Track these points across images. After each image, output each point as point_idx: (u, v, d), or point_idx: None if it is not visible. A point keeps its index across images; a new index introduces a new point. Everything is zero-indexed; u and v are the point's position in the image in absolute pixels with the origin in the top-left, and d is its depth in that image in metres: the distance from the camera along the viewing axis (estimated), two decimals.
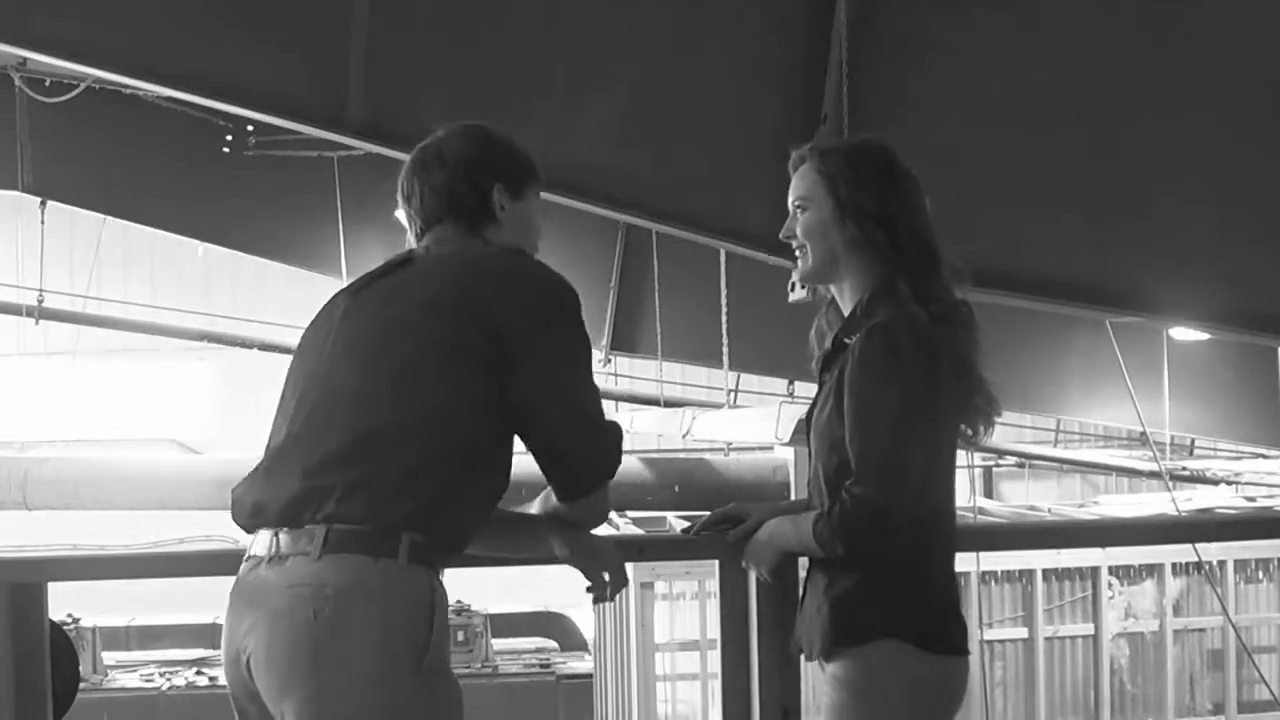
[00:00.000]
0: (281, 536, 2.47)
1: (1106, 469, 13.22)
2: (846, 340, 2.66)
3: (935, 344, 2.60)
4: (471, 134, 2.73)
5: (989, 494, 16.13)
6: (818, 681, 2.73)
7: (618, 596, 2.80)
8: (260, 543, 2.51)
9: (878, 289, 2.67)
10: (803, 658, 2.82)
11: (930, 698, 2.64)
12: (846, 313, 2.72)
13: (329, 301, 2.70)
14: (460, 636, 10.89)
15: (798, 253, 2.75)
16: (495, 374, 2.50)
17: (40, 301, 10.52)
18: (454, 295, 2.53)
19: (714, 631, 3.25)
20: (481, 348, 2.49)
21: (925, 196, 2.75)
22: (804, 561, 2.83)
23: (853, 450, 2.57)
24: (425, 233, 2.71)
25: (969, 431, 2.70)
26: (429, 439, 2.47)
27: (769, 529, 2.79)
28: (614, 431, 2.62)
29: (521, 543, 2.75)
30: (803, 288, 2.87)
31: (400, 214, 2.76)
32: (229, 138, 10.02)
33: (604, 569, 2.73)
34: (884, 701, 2.61)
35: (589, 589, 2.74)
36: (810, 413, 2.78)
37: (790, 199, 2.76)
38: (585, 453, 2.58)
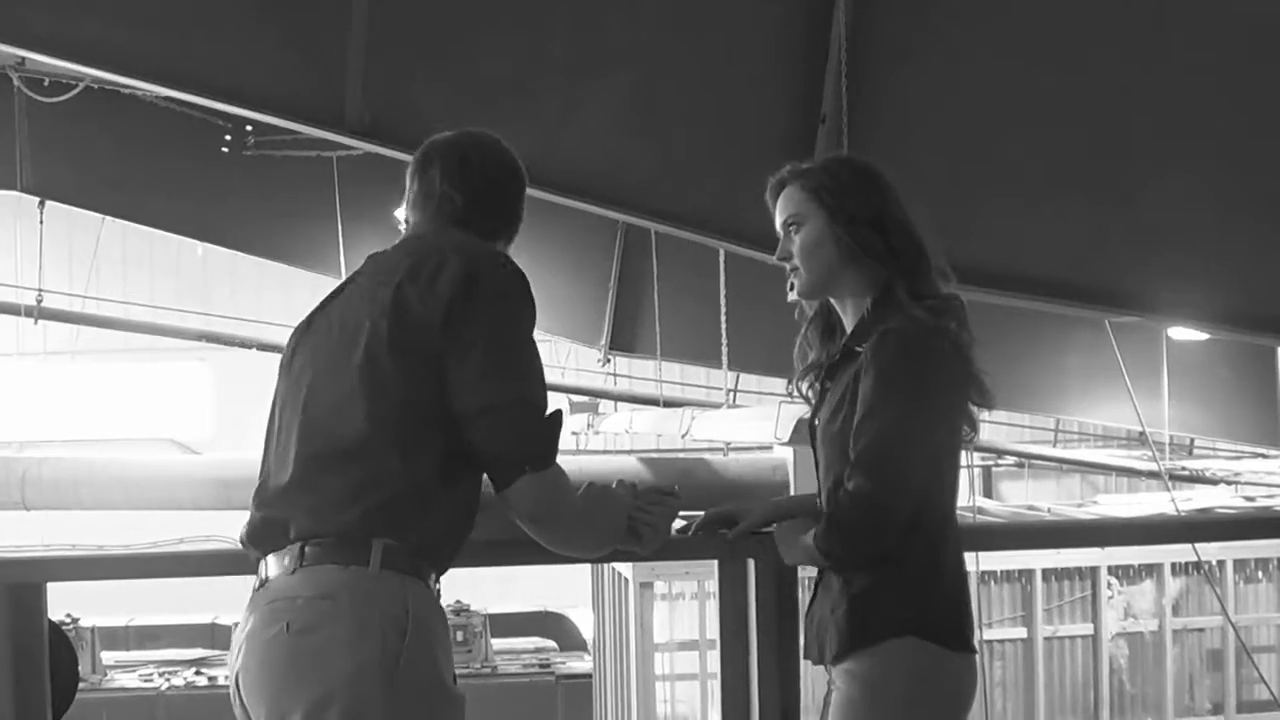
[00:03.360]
0: (269, 559, 2.49)
1: (1106, 469, 13.22)
2: (857, 349, 2.67)
3: (945, 344, 2.63)
4: (459, 134, 2.73)
5: (988, 494, 16.13)
6: (823, 678, 2.73)
7: (618, 596, 2.79)
8: (259, 571, 2.53)
9: (879, 294, 2.69)
10: (806, 659, 2.82)
11: (948, 693, 2.65)
12: (848, 322, 2.74)
13: (294, 330, 2.68)
14: (460, 636, 10.90)
15: (791, 274, 2.76)
16: (436, 367, 2.45)
17: (39, 301, 10.52)
18: (384, 300, 2.48)
19: (713, 631, 3.25)
20: (414, 346, 2.45)
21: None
22: None
23: (854, 447, 2.58)
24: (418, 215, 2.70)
25: (965, 428, 2.71)
26: (384, 445, 2.43)
27: (789, 555, 2.78)
28: (536, 415, 2.49)
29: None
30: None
31: (399, 213, 2.76)
32: (228, 138, 10.03)
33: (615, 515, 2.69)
34: (900, 696, 2.61)
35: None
36: (813, 420, 2.78)
37: (779, 221, 2.77)
38: (501, 437, 2.46)
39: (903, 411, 2.56)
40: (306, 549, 2.44)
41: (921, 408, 2.58)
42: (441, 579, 2.57)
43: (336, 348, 2.52)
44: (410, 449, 2.44)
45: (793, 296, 2.81)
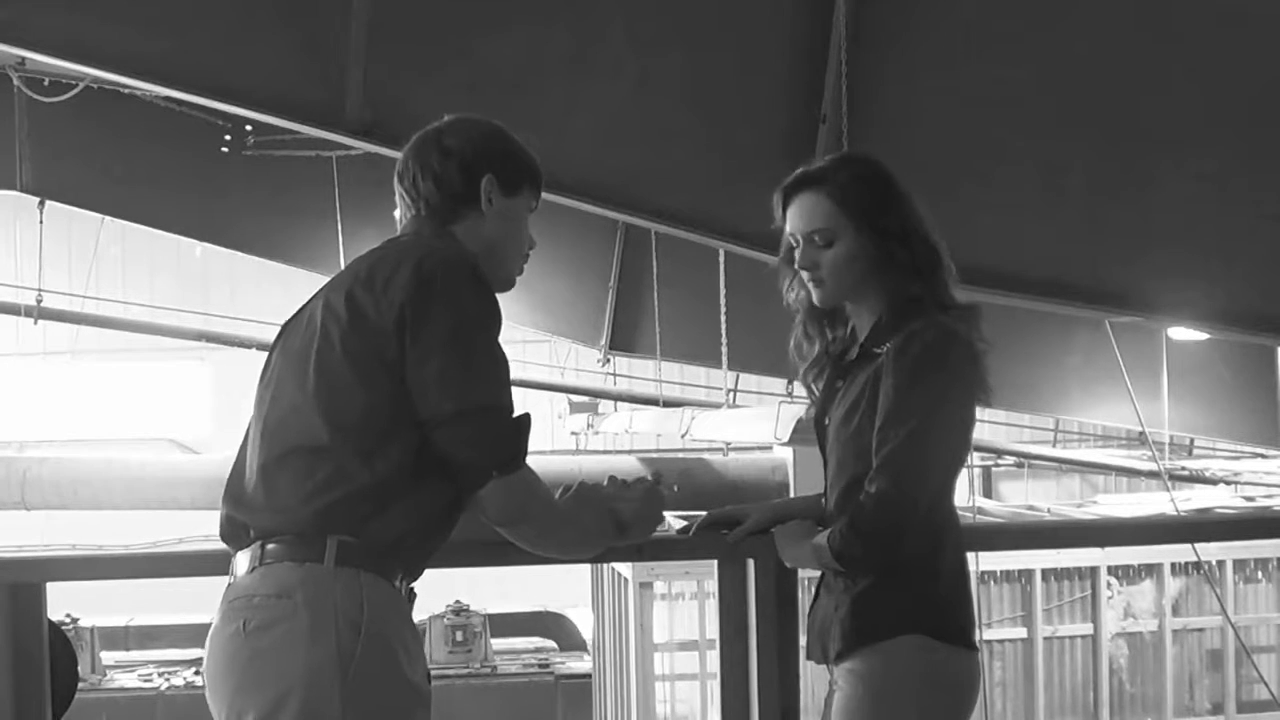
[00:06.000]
0: (238, 558, 2.50)
1: (1106, 469, 13.22)
2: (876, 350, 2.65)
3: (965, 349, 2.62)
4: (475, 122, 2.69)
5: (988, 494, 16.13)
6: (824, 678, 2.73)
7: (617, 596, 2.79)
8: (230, 569, 2.53)
9: (897, 298, 2.67)
10: (805, 659, 2.81)
11: (952, 690, 2.64)
12: (863, 324, 2.72)
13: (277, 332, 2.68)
14: (459, 636, 10.90)
15: (810, 283, 2.71)
16: (395, 372, 2.44)
17: (39, 301, 10.54)
18: (346, 303, 2.47)
19: (713, 631, 3.25)
20: (369, 351, 2.44)
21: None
22: None
23: (878, 449, 2.57)
24: (407, 217, 2.68)
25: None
26: (342, 447, 2.42)
27: (791, 556, 2.77)
28: (501, 419, 2.46)
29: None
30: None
31: (398, 213, 2.74)
32: (228, 137, 10.03)
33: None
34: (904, 694, 2.60)
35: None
36: (822, 419, 2.76)
37: (800, 229, 2.70)
38: (466, 443, 2.44)
39: (927, 417, 2.55)
40: (266, 547, 2.44)
41: (945, 413, 2.57)
42: (416, 579, 2.56)
43: (299, 352, 2.52)
44: (370, 450, 2.43)
45: (791, 298, 2.78)
